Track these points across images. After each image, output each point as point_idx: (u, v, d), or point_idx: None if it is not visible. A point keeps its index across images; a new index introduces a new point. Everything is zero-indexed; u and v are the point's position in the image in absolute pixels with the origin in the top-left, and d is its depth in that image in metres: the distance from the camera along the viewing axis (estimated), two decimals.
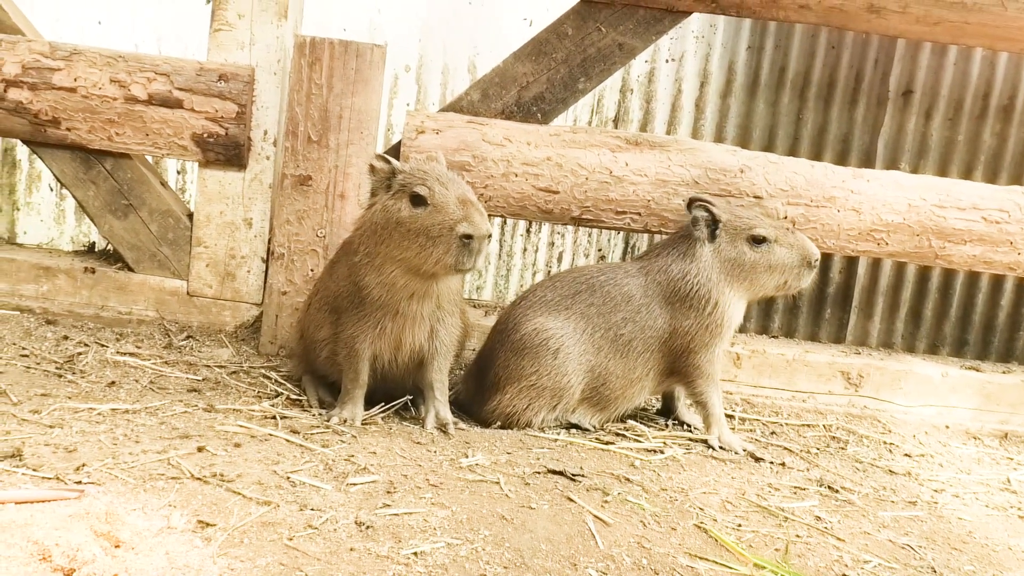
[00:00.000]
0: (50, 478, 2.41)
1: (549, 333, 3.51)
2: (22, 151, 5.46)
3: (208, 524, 2.24)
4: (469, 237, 2.98)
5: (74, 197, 4.24)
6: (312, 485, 2.59)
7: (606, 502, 2.76)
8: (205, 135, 4.09)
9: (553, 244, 5.46)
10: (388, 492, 2.61)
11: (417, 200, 3.06)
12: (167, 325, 4.24)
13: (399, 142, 4.13)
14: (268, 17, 4.09)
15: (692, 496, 2.93)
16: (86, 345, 3.92)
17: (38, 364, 3.60)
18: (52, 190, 5.53)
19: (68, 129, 4.08)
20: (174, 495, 2.39)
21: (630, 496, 2.84)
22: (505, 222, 5.39)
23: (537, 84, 4.19)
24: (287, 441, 2.96)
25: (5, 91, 4.05)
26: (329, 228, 4.02)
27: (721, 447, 3.57)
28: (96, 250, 4.68)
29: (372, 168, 3.20)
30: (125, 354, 3.87)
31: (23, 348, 3.77)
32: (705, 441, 3.61)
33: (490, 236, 3.01)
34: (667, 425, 3.85)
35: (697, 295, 3.59)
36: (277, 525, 2.29)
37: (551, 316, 3.56)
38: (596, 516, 2.62)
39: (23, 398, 3.10)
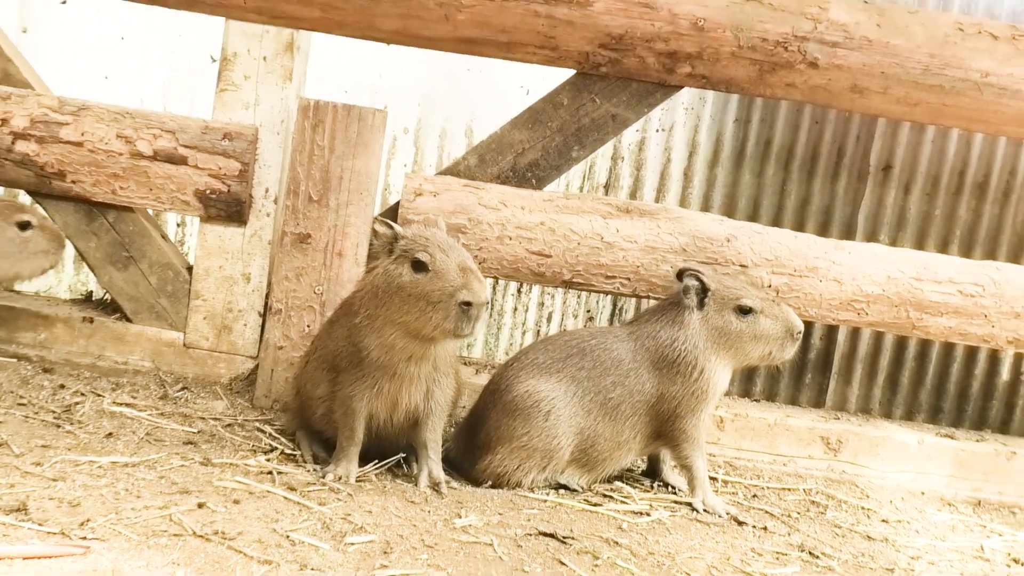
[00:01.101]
0: (55, 533, 2.47)
1: (541, 395, 3.61)
2: (25, 199, 5.54)
3: None
4: (468, 304, 3.09)
5: (75, 248, 4.32)
6: (311, 544, 2.66)
7: (596, 566, 2.84)
8: (208, 191, 4.20)
9: (543, 304, 5.58)
10: (385, 552, 2.69)
11: (419, 266, 3.17)
12: (163, 376, 4.30)
13: (397, 203, 4.25)
14: (273, 79, 4.23)
15: (679, 561, 3.02)
16: (83, 395, 3.98)
17: (36, 414, 3.66)
18: None
19: (73, 182, 4.18)
20: (177, 553, 2.46)
21: (619, 560, 2.92)
22: (497, 282, 5.50)
23: (532, 151, 4.34)
24: (285, 498, 3.03)
25: (13, 143, 4.15)
26: (327, 285, 4.12)
27: (705, 510, 3.67)
28: (94, 299, 4.75)
29: (375, 232, 3.31)
30: (122, 404, 3.93)
31: (21, 396, 3.82)
32: (690, 504, 3.70)
33: (488, 303, 3.12)
34: (653, 487, 3.94)
35: (684, 361, 3.70)
36: None
37: (543, 378, 3.66)
38: None
39: (24, 449, 3.16)
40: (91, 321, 4.33)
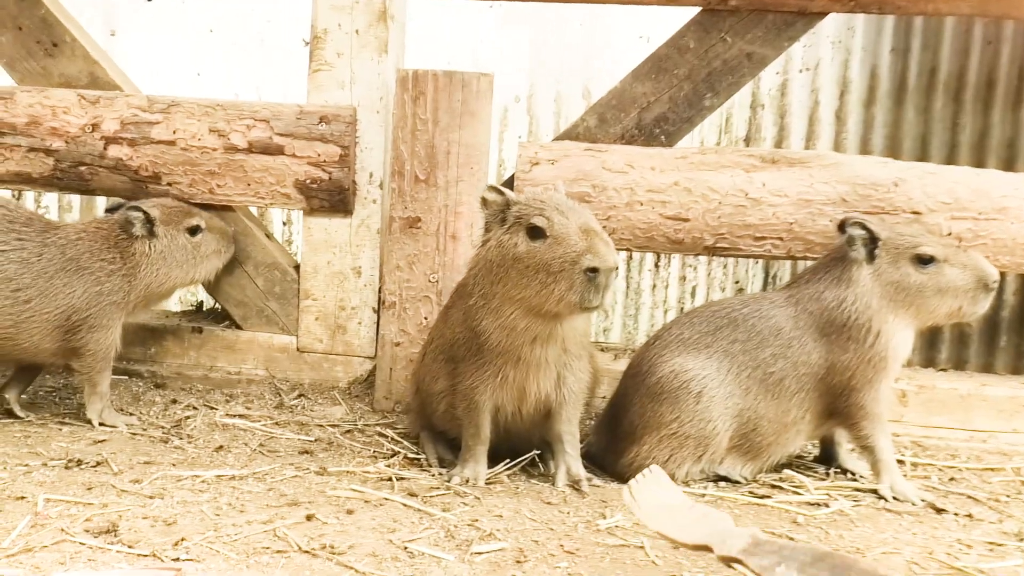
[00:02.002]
0: (146, 555, 2.28)
1: (689, 375, 3.25)
2: None
3: None
4: (595, 271, 2.73)
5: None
6: (432, 555, 2.38)
7: None
8: (308, 181, 4.01)
9: (685, 278, 5.19)
10: (518, 561, 2.38)
11: (535, 232, 2.85)
12: (277, 384, 4.15)
13: (511, 176, 3.97)
14: (368, 53, 4.00)
15: (870, 557, 2.60)
16: (195, 408, 3.86)
17: (145, 430, 3.54)
18: None
19: (169, 184, 4.06)
20: (280, 572, 2.22)
21: None
22: (631, 257, 5.15)
23: (659, 104, 3.98)
24: (404, 505, 2.77)
25: (105, 149, 4.06)
26: (442, 272, 3.87)
27: (895, 497, 3.21)
28: (204, 309, 4.66)
29: (484, 201, 3.02)
30: (234, 416, 3.79)
31: (130, 413, 3.72)
32: (875, 491, 3.26)
33: (617, 269, 2.76)
34: (828, 474, 3.51)
35: (856, 324, 3.27)
36: None
37: (690, 356, 3.30)
38: None
39: (124, 467, 3.02)
40: (200, 331, 4.22)
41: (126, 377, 4.17)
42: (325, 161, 3.99)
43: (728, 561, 1.00)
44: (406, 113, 3.83)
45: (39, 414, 3.68)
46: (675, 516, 1.19)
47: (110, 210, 3.83)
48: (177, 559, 2.26)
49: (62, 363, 3.77)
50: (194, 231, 3.85)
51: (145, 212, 3.70)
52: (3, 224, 3.50)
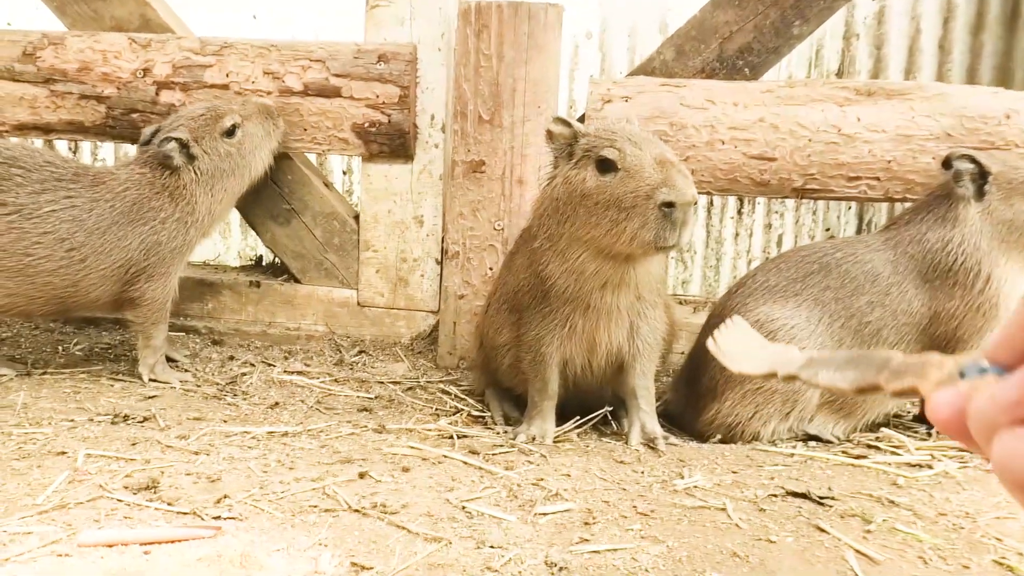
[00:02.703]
0: (185, 512, 2.17)
1: (776, 324, 3.03)
2: None
3: (364, 567, 1.92)
4: (671, 205, 2.50)
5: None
6: (492, 516, 2.23)
7: (868, 532, 2.26)
8: (366, 124, 3.87)
9: (770, 226, 4.92)
10: (586, 523, 2.22)
11: (605, 165, 2.64)
12: (338, 340, 4.04)
13: (582, 116, 3.77)
14: None
15: (982, 523, 2.37)
16: (252, 365, 3.77)
17: (199, 387, 3.46)
18: None
19: None
20: (326, 531, 2.09)
21: (899, 524, 2.32)
22: (712, 202, 4.91)
23: (742, 33, 3.73)
24: (464, 463, 2.62)
25: (157, 94, 3.98)
26: (507, 219, 3.70)
27: None
28: (263, 264, 4.57)
29: (550, 134, 2.82)
30: (292, 372, 3.69)
31: (185, 370, 3.65)
32: None
33: (696, 203, 2.54)
34: (931, 434, 3.26)
35: (963, 268, 3.01)
36: (447, 567, 1.94)
37: (777, 304, 3.08)
38: (858, 551, 2.13)
39: (172, 423, 2.93)
40: (258, 285, 4.12)
41: (183, 333, 4.10)
42: (384, 103, 3.84)
43: (789, 379, 1.03)
44: (468, 48, 3.65)
45: (91, 369, 3.62)
46: (751, 355, 1.20)
47: (144, 144, 3.65)
48: (218, 517, 2.14)
49: (116, 314, 3.70)
50: (231, 132, 3.64)
51: (176, 139, 3.53)
52: (52, 182, 3.41)
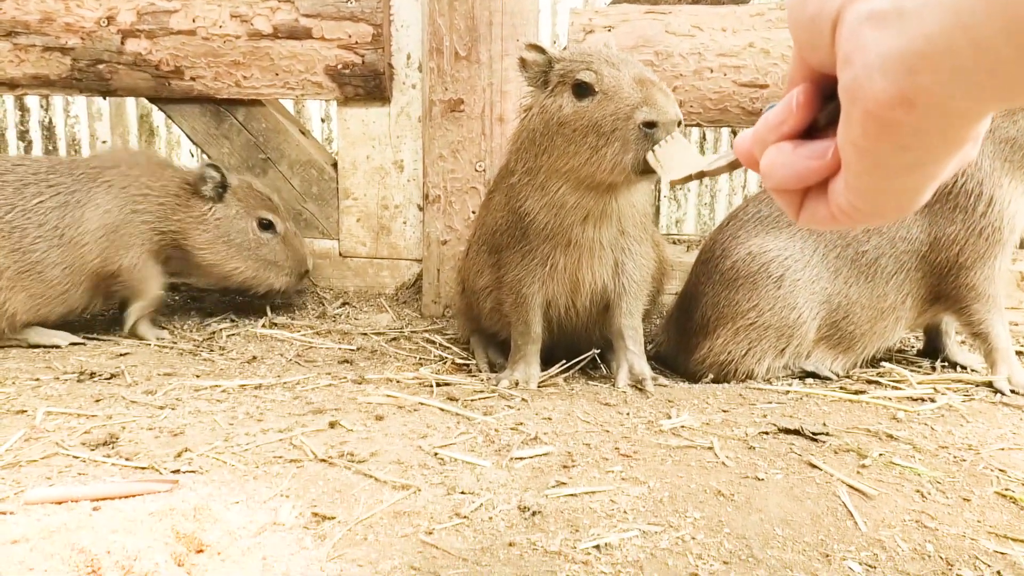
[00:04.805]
0: (143, 467, 2.07)
1: (769, 256, 2.90)
2: (159, 117, 5.36)
3: (325, 517, 1.81)
4: (652, 125, 2.35)
5: (207, 156, 3.99)
6: (466, 462, 2.12)
7: (863, 467, 2.14)
8: (340, 66, 3.73)
9: None
10: (564, 467, 2.11)
11: (582, 89, 2.49)
12: (320, 292, 3.94)
13: (564, 48, 3.63)
14: None
15: (986, 454, 2.25)
16: (232, 321, 3.67)
17: (175, 343, 3.36)
18: (193, 155, 5.40)
19: (192, 79, 3.83)
20: (289, 482, 1.99)
21: (896, 458, 2.20)
22: (704, 135, 4.75)
23: None
24: (441, 410, 2.51)
25: (123, 43, 3.84)
26: (488, 160, 3.57)
27: (1013, 391, 2.84)
28: None
29: (523, 62, 2.68)
30: (273, 326, 3.59)
31: (162, 327, 3.55)
32: (989, 384, 2.89)
33: (680, 123, 2.39)
34: (935, 367, 3.14)
35: (963, 190, 2.87)
36: (414, 515, 1.84)
37: (770, 235, 2.95)
38: (852, 487, 2.01)
39: (141, 379, 2.82)
40: None
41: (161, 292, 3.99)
42: (357, 43, 3.70)
43: (702, 175, 1.03)
44: None
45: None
46: (685, 164, 1.20)
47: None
48: (177, 471, 2.04)
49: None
50: (266, 226, 3.57)
51: (223, 175, 3.48)
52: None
